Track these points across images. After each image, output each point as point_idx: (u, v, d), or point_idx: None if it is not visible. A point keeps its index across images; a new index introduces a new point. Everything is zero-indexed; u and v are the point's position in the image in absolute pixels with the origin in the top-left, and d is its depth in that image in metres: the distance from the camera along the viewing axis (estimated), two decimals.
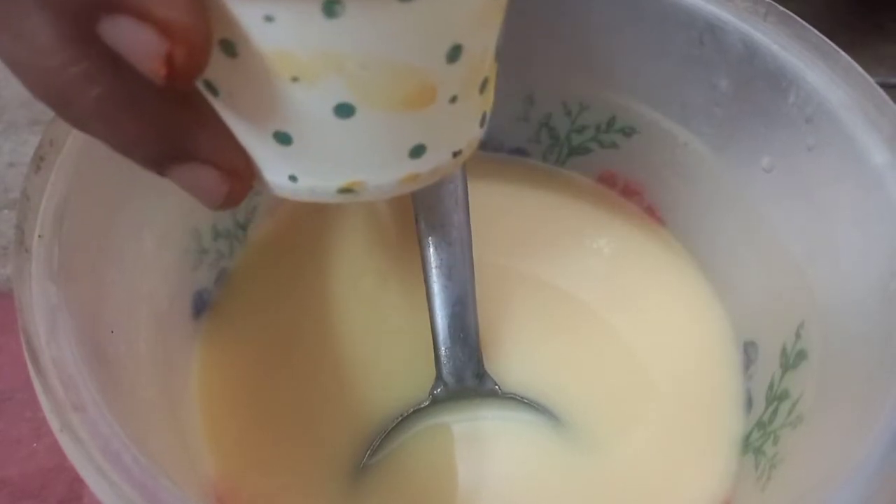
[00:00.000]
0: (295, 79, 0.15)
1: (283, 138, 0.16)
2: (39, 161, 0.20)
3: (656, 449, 0.26)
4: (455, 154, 0.18)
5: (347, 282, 0.28)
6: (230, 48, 0.15)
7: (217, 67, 0.15)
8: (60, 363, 0.17)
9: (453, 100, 0.16)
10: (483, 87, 0.17)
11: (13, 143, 0.36)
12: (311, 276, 0.29)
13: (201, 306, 0.27)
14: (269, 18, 0.14)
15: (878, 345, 0.21)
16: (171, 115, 0.15)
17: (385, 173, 0.17)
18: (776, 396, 0.25)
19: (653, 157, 0.29)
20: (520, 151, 0.32)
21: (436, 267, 0.25)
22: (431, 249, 0.25)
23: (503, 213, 0.30)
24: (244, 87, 0.15)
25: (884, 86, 0.23)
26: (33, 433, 0.28)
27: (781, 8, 0.24)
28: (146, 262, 0.23)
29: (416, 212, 0.25)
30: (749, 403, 0.26)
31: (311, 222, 0.30)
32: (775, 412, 0.24)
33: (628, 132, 0.29)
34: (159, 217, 0.24)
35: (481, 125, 0.18)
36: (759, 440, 0.25)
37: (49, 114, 0.21)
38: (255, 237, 0.29)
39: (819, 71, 0.23)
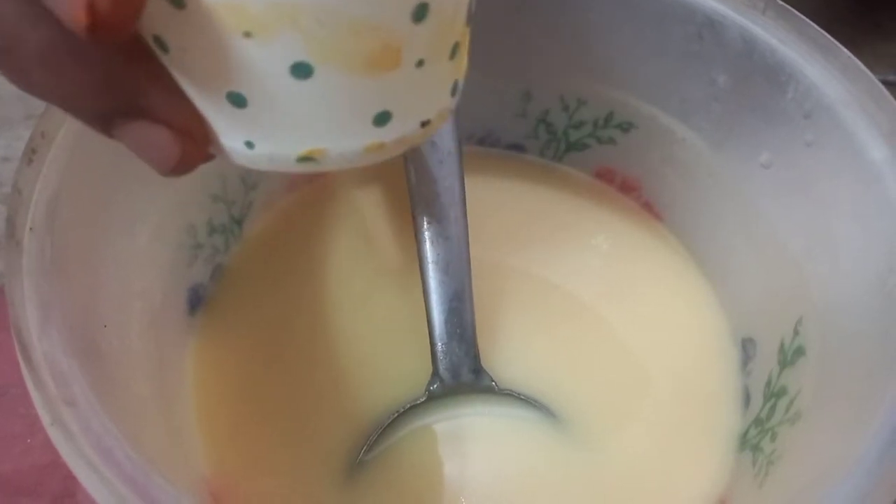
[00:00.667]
0: (247, 34, 0.14)
1: (237, 100, 0.15)
2: (31, 154, 0.20)
3: (653, 445, 0.25)
4: (423, 124, 0.17)
5: (343, 277, 0.28)
6: None
7: (164, 20, 0.14)
8: (52, 358, 0.17)
9: (420, 64, 0.16)
10: (453, 53, 0.16)
11: (7, 137, 0.35)
12: (306, 272, 0.28)
13: (196, 302, 0.27)
14: None
15: (877, 341, 0.21)
16: (119, 67, 0.14)
17: (348, 141, 0.16)
18: (774, 393, 0.25)
19: (651, 153, 0.29)
20: (517, 147, 0.32)
21: (433, 262, 0.25)
22: (428, 245, 0.25)
23: (500, 208, 0.30)
24: (194, 42, 0.14)
25: (885, 83, 0.23)
26: (28, 429, 0.28)
27: (780, 2, 0.24)
28: (140, 257, 0.23)
29: (413, 207, 0.25)
30: (747, 400, 0.26)
31: (306, 217, 0.30)
32: (773, 409, 0.24)
33: (626, 128, 0.29)
34: (153, 211, 0.23)
35: (453, 94, 0.18)
36: (756, 437, 0.25)
37: (43, 108, 0.20)
38: (251, 232, 0.29)
39: (818, 66, 0.23)
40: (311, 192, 0.30)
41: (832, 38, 0.23)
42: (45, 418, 0.16)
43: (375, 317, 0.27)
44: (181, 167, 0.15)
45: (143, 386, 0.22)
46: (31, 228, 0.18)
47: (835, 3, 0.41)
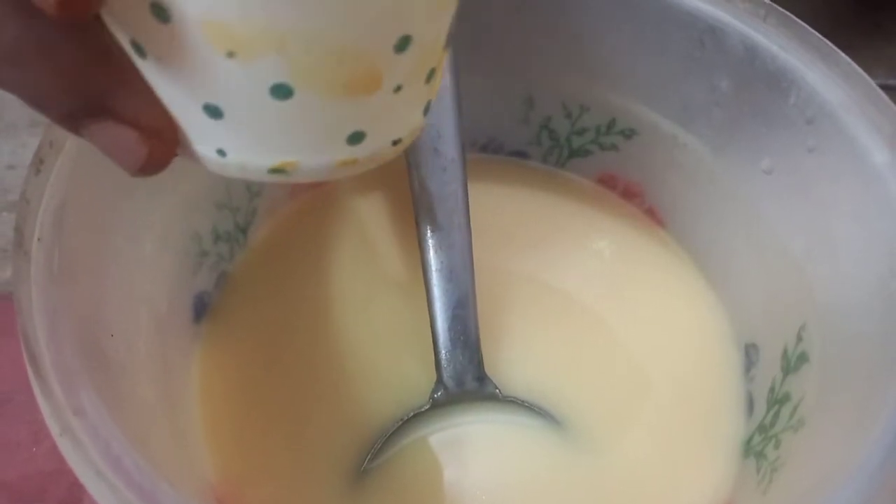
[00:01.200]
0: (231, 54, 0.14)
1: (213, 111, 0.15)
2: (39, 163, 0.20)
3: (657, 452, 0.26)
4: (395, 142, 0.17)
5: (347, 284, 0.28)
6: (162, 13, 0.14)
7: (145, 29, 0.14)
8: (60, 366, 0.17)
9: (398, 89, 0.16)
10: (430, 77, 0.17)
11: (12, 145, 0.36)
12: (310, 279, 0.29)
13: (201, 309, 0.27)
14: None
15: (878, 345, 0.21)
16: (88, 66, 0.14)
17: (320, 156, 0.16)
18: (777, 399, 0.25)
19: (653, 159, 0.29)
20: (520, 154, 0.32)
21: (436, 270, 0.25)
22: (432, 252, 0.25)
23: (504, 214, 0.30)
24: (174, 54, 0.14)
25: (883, 87, 0.23)
26: (32, 436, 0.28)
27: (781, 9, 0.24)
28: (146, 265, 0.23)
29: (417, 214, 0.25)
30: (750, 406, 0.26)
31: (311, 225, 0.30)
32: (777, 415, 0.24)
33: (628, 134, 0.29)
34: (159, 219, 0.24)
35: (424, 113, 0.18)
36: (760, 444, 0.25)
37: None
38: (256, 240, 0.29)
39: (819, 72, 0.23)
40: (314, 199, 0.30)
41: (832, 45, 0.23)
42: (53, 428, 0.16)
43: (379, 324, 0.27)
44: (148, 168, 0.15)
45: (148, 393, 0.22)
46: (38, 238, 0.19)
47: (836, 5, 0.41)
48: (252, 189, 0.28)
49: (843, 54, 0.23)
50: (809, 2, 0.35)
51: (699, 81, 0.26)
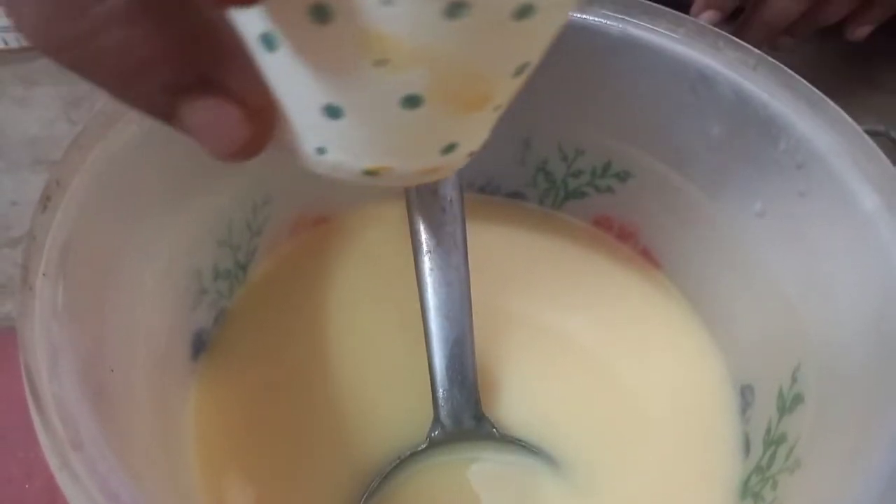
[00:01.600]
0: (380, 63, 0.14)
1: (333, 111, 0.15)
2: (46, 200, 0.20)
3: (655, 493, 0.25)
4: (470, 154, 0.18)
5: (346, 323, 0.29)
6: (322, 15, 0.13)
7: (291, 27, 0.14)
8: (61, 401, 0.17)
9: (497, 108, 0.17)
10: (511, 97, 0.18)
11: (15, 181, 0.36)
12: (309, 318, 0.29)
13: (199, 346, 0.27)
14: (389, 1, 0.13)
15: (872, 387, 0.21)
16: (202, 35, 0.13)
17: (413, 163, 0.17)
18: (773, 440, 0.25)
19: (648, 202, 0.29)
20: (517, 195, 0.32)
21: (434, 308, 0.25)
22: (430, 291, 0.25)
23: (501, 255, 0.31)
24: (315, 55, 0.14)
25: (870, 133, 0.23)
26: (25, 473, 0.28)
27: (770, 58, 0.25)
28: (147, 302, 0.23)
29: (415, 253, 0.25)
30: (747, 447, 0.26)
31: (310, 263, 0.30)
32: (773, 456, 0.24)
33: (623, 177, 0.30)
34: (162, 257, 0.24)
35: (490, 130, 0.19)
36: (757, 485, 0.25)
37: (52, 154, 0.21)
38: (255, 277, 0.29)
39: (808, 119, 0.24)
40: (314, 237, 0.31)
41: (820, 93, 0.24)
42: (52, 462, 0.16)
43: (377, 362, 0.28)
44: (243, 152, 0.14)
45: (146, 429, 0.22)
46: (44, 273, 0.19)
47: (827, 55, 0.42)
48: (253, 227, 0.29)
49: (830, 102, 0.24)
50: (798, 53, 0.36)
51: (692, 127, 0.26)
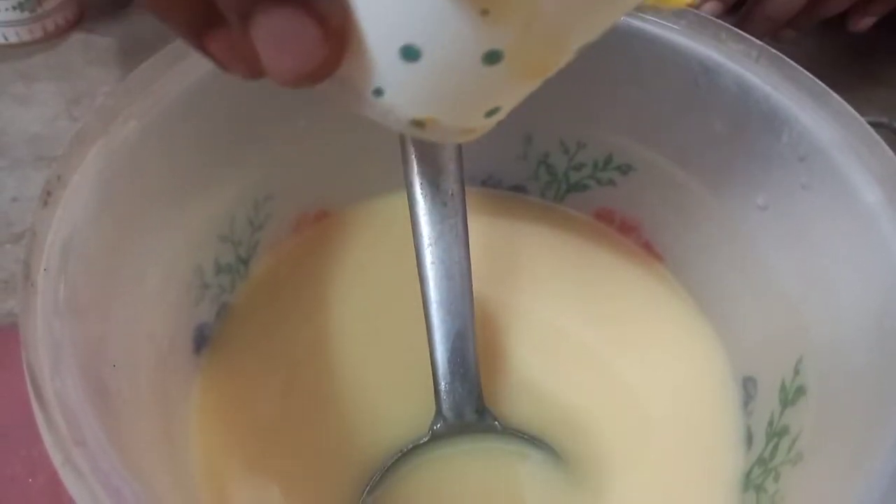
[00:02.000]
0: (483, 12, 0.14)
1: (410, 54, 0.14)
2: (47, 196, 0.20)
3: (656, 485, 0.25)
4: (499, 121, 0.18)
5: (347, 317, 0.29)
6: None
7: None
8: (63, 397, 0.17)
9: (543, 81, 0.16)
10: None
11: (17, 179, 0.36)
12: (311, 312, 0.29)
13: (202, 341, 0.27)
14: None
15: (875, 381, 0.21)
16: None
17: (460, 120, 0.16)
18: (776, 433, 0.25)
19: (649, 195, 0.29)
20: (519, 188, 0.32)
21: (436, 302, 0.25)
22: (432, 284, 0.25)
23: (503, 248, 0.31)
24: None
25: (873, 125, 0.23)
26: (28, 470, 0.28)
27: (773, 50, 0.24)
28: (149, 297, 0.23)
29: (417, 247, 0.25)
30: (749, 440, 0.26)
31: (312, 258, 0.30)
32: (775, 449, 0.24)
33: (625, 170, 0.30)
34: (164, 252, 0.24)
35: None
36: (759, 477, 0.25)
37: (53, 151, 0.21)
38: (257, 272, 0.29)
39: (811, 111, 0.23)
40: (316, 232, 0.31)
41: (823, 85, 0.24)
42: (55, 458, 0.16)
43: (379, 355, 0.28)
44: (313, 75, 0.13)
45: (149, 425, 0.22)
46: (45, 269, 0.19)
47: (829, 48, 0.42)
48: (255, 223, 0.29)
49: (833, 94, 0.24)
50: (801, 47, 0.36)
51: (694, 119, 0.26)
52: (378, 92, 0.15)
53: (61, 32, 0.42)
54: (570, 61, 0.16)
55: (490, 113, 0.17)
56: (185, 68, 0.23)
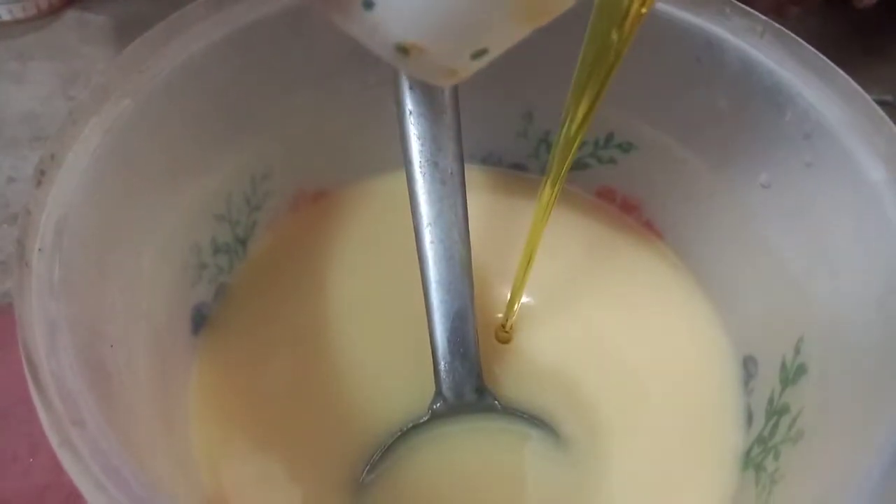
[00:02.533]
0: None
1: None
2: (40, 175, 0.20)
3: (656, 464, 0.25)
4: (478, 68, 0.17)
5: (347, 297, 0.28)
6: None
7: None
8: (60, 378, 0.17)
9: (531, 30, 0.16)
10: None
11: (13, 158, 0.36)
12: (309, 292, 0.29)
13: (200, 321, 0.27)
14: None
15: (878, 360, 0.21)
16: None
17: (446, 56, 0.16)
18: (776, 411, 0.25)
19: (651, 173, 0.29)
20: (518, 167, 0.32)
21: (435, 281, 0.25)
22: (431, 264, 0.25)
23: (502, 225, 0.30)
24: None
25: (878, 103, 0.23)
26: (29, 450, 0.28)
27: (778, 25, 0.24)
28: (146, 277, 0.23)
29: (416, 226, 0.25)
30: (749, 419, 0.26)
31: (310, 238, 0.30)
32: (775, 427, 0.24)
33: (626, 148, 0.29)
34: (159, 232, 0.24)
35: None
36: (759, 455, 0.25)
37: (49, 131, 0.21)
38: (255, 252, 0.29)
39: (816, 88, 0.23)
40: (314, 212, 0.30)
41: (829, 61, 0.23)
42: (53, 439, 0.16)
43: (379, 336, 0.27)
44: None
45: (147, 405, 0.22)
46: (39, 249, 0.19)
47: (834, 25, 0.41)
48: (252, 202, 0.28)
49: (839, 70, 0.23)
50: (806, 24, 0.35)
51: (697, 96, 0.26)
52: (369, 4, 0.15)
53: (55, 10, 0.41)
54: (568, 9, 0.16)
55: (477, 55, 0.16)
56: (180, 45, 0.23)
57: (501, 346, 0.28)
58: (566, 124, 0.22)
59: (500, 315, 0.28)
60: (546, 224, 0.24)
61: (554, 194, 0.24)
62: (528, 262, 0.25)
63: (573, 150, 0.22)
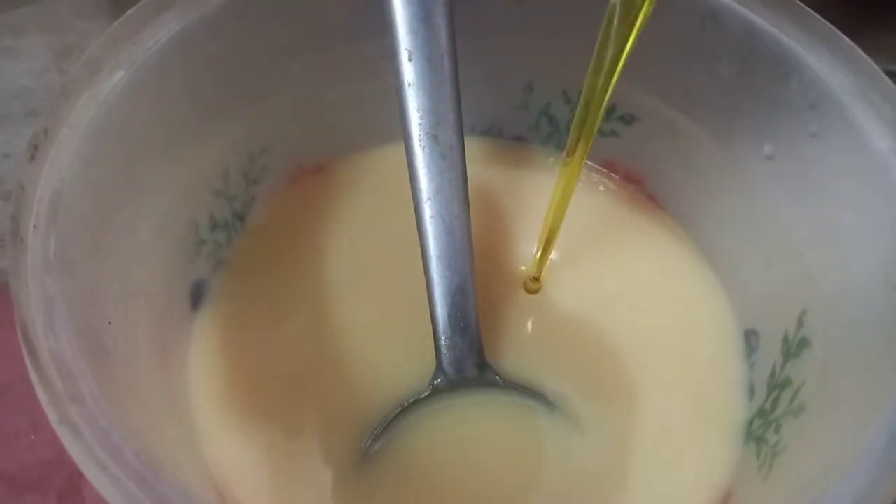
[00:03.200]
0: None
1: None
2: (34, 150, 0.19)
3: (658, 437, 0.26)
4: None
5: (347, 273, 0.28)
6: None
7: None
8: (58, 355, 0.17)
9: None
10: None
11: (8, 134, 0.35)
12: (309, 267, 0.28)
13: (199, 297, 0.27)
14: None
15: (881, 333, 0.21)
16: None
17: None
18: (777, 384, 0.25)
19: (653, 146, 0.29)
20: (519, 139, 0.32)
21: (435, 257, 0.25)
22: (431, 239, 0.25)
23: (504, 197, 0.30)
24: None
25: (886, 73, 0.22)
26: (31, 426, 0.28)
27: None
28: (143, 253, 0.23)
29: (416, 202, 0.25)
30: (751, 392, 0.26)
31: (309, 213, 0.30)
32: (777, 400, 0.24)
33: (628, 120, 0.29)
34: (156, 207, 0.23)
35: None
36: (760, 429, 0.25)
37: (44, 106, 0.20)
38: (253, 227, 0.29)
39: (821, 56, 0.23)
40: (313, 186, 0.30)
41: (835, 29, 0.23)
42: (52, 417, 0.16)
43: (379, 311, 0.27)
44: None
45: (147, 382, 0.22)
46: (34, 225, 0.18)
47: None
48: (250, 177, 0.28)
49: (845, 38, 0.23)
50: None
51: (700, 66, 0.25)
52: None
53: None
54: None
55: None
56: (174, 16, 0.22)
57: (503, 320, 0.27)
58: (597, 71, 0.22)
59: (524, 268, 0.28)
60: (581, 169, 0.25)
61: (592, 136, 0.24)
62: (565, 201, 0.25)
63: (609, 91, 0.23)
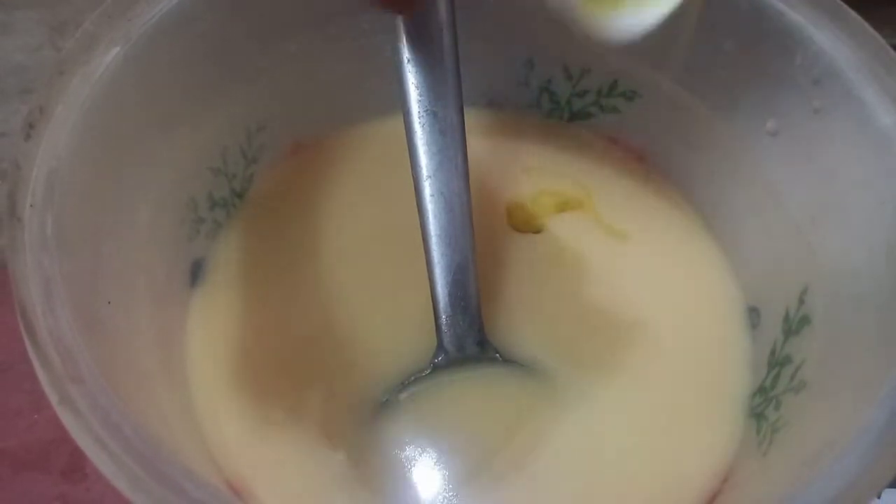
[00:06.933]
0: None
1: None
2: (29, 128, 0.19)
3: (660, 413, 0.26)
4: None
5: (347, 250, 0.28)
6: None
7: None
8: (57, 335, 0.17)
9: None
10: None
11: (4, 112, 0.35)
12: (308, 245, 0.28)
13: (198, 275, 0.27)
14: None
15: (882, 310, 0.21)
16: None
17: None
18: (778, 362, 0.25)
19: (655, 122, 0.29)
20: (520, 114, 0.31)
21: (435, 235, 0.24)
22: (431, 218, 0.24)
23: (505, 171, 0.30)
24: None
25: (892, 47, 0.22)
26: (33, 405, 0.28)
27: None
28: (141, 232, 0.23)
29: (415, 180, 0.24)
30: (752, 369, 0.26)
31: (308, 189, 0.29)
32: (777, 377, 0.24)
33: (630, 96, 0.29)
34: (154, 186, 0.23)
35: None
36: (760, 405, 0.25)
37: (39, 82, 0.20)
38: (252, 205, 0.29)
39: (827, 30, 0.22)
40: (312, 163, 0.30)
41: (841, 2, 0.23)
42: (52, 397, 0.16)
43: (379, 289, 0.27)
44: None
45: (147, 361, 0.22)
46: (31, 204, 0.18)
47: None
48: (248, 155, 0.28)
49: (851, 11, 0.22)
50: None
51: (703, 41, 0.25)
52: None
53: None
54: None
55: None
56: None
57: (503, 297, 0.27)
58: None
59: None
60: None
61: None
62: None
63: None
